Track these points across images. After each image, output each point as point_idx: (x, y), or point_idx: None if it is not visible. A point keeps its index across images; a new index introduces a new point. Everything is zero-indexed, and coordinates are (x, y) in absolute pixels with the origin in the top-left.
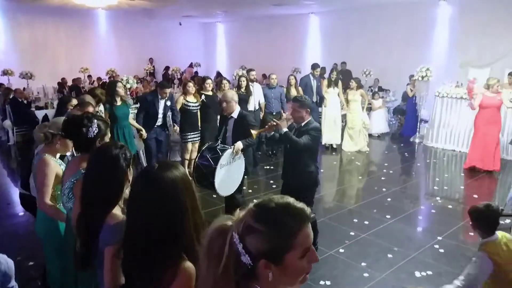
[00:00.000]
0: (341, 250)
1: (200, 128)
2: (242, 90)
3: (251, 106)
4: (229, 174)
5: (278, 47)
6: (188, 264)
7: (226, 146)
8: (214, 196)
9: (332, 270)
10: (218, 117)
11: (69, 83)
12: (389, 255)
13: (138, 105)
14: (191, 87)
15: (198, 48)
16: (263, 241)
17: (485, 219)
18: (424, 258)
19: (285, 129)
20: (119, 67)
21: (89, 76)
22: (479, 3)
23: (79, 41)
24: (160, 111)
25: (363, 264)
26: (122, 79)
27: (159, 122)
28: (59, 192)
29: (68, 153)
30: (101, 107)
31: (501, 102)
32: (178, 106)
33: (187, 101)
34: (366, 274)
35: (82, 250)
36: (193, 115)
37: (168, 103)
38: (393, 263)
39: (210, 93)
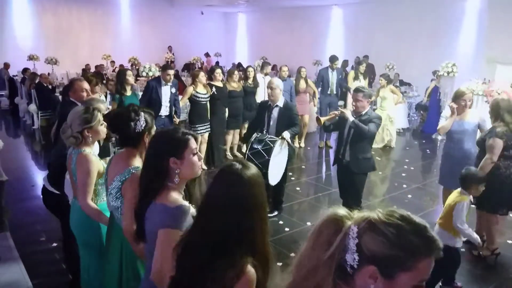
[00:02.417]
0: None
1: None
2: (250, 81)
3: (259, 98)
4: (278, 164)
5: (300, 39)
6: (251, 269)
7: (273, 137)
8: None
9: None
10: (226, 109)
11: (92, 69)
12: None
13: None
14: (203, 76)
15: (218, 38)
16: (384, 246)
17: None
18: None
19: (351, 117)
20: (140, 55)
21: (113, 62)
22: None
23: (101, 28)
24: (165, 98)
25: None
26: (144, 67)
27: (165, 111)
28: (99, 187)
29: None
30: (107, 99)
31: None
32: (187, 97)
33: (197, 92)
34: None
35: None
36: (202, 107)
37: (173, 90)
38: None
39: (220, 84)
